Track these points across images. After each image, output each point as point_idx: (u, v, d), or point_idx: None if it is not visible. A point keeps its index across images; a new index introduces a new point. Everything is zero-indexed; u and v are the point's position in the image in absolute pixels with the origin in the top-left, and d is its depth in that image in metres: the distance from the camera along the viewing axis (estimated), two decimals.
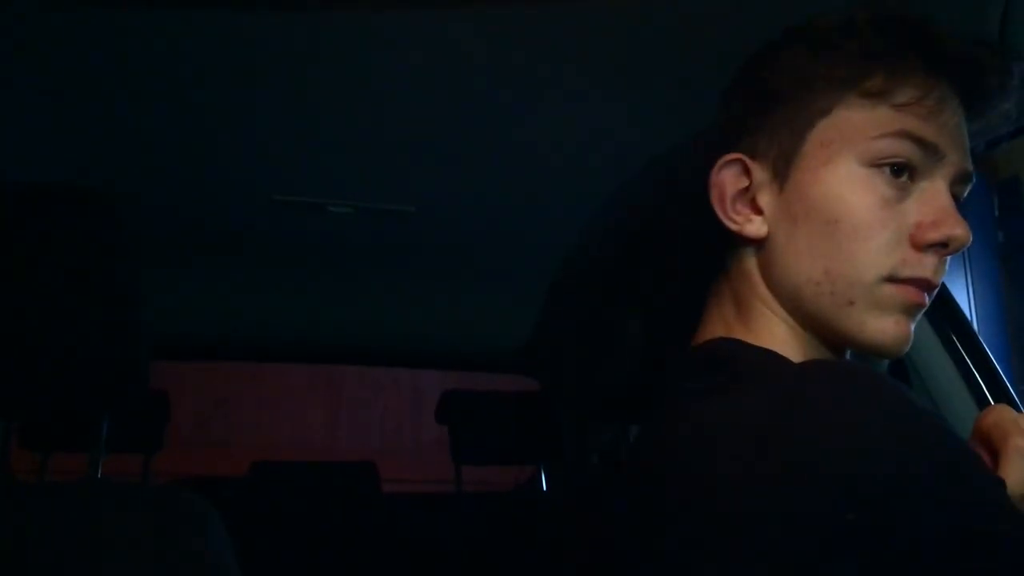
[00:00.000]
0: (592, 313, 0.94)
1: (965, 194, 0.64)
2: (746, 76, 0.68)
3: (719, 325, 0.67)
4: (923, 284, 0.60)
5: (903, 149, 0.60)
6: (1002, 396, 1.20)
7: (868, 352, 0.63)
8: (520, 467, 2.67)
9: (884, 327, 0.60)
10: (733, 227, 0.65)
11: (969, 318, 1.89)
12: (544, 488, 2.20)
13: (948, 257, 0.62)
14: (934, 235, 0.59)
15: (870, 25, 0.62)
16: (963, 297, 2.72)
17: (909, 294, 0.60)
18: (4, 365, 0.74)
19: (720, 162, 0.65)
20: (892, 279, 0.60)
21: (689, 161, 0.70)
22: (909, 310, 0.61)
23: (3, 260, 0.75)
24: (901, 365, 1.24)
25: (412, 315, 1.95)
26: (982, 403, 1.20)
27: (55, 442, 2.10)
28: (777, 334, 0.64)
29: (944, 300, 1.23)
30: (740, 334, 0.65)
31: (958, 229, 0.59)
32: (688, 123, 1.15)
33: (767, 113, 0.64)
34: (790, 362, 0.59)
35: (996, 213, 2.90)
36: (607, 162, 1.29)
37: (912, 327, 0.61)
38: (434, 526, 1.88)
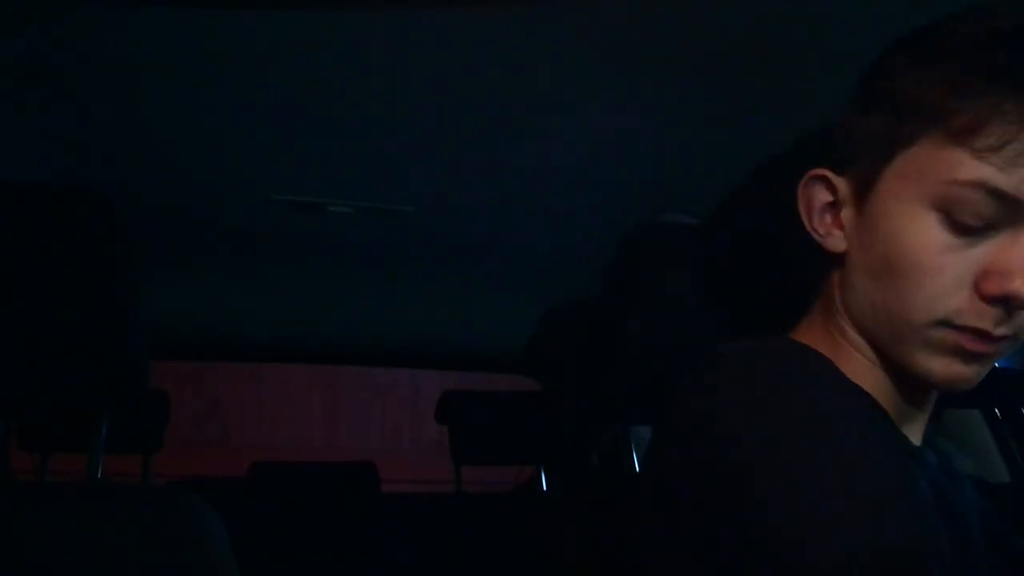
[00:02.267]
0: (593, 314, 0.94)
1: None
2: (861, 85, 0.66)
3: (802, 333, 0.68)
4: (982, 335, 0.56)
5: (977, 200, 0.54)
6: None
7: (929, 386, 0.61)
8: (520, 467, 2.67)
9: (931, 367, 0.58)
10: (816, 237, 0.64)
11: None
12: (544, 488, 2.20)
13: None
14: (994, 288, 0.54)
15: (975, 44, 0.56)
16: None
17: (962, 340, 0.56)
18: (4, 365, 0.74)
19: (807, 176, 0.65)
20: (946, 324, 0.56)
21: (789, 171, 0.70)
22: (961, 354, 0.57)
23: (3, 260, 0.75)
24: None
25: (412, 315, 1.95)
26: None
27: (54, 442, 2.10)
28: (854, 353, 0.64)
29: None
30: (815, 342, 0.64)
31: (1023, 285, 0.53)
32: (689, 123, 1.16)
33: (857, 130, 0.63)
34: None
35: None
36: (607, 162, 1.29)
37: (970, 369, 0.58)
38: (434, 526, 1.88)
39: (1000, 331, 0.56)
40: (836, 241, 0.63)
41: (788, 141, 0.76)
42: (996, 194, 0.54)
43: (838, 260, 0.64)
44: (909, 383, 0.62)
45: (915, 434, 0.65)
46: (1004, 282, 0.54)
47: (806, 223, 0.65)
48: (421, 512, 2.02)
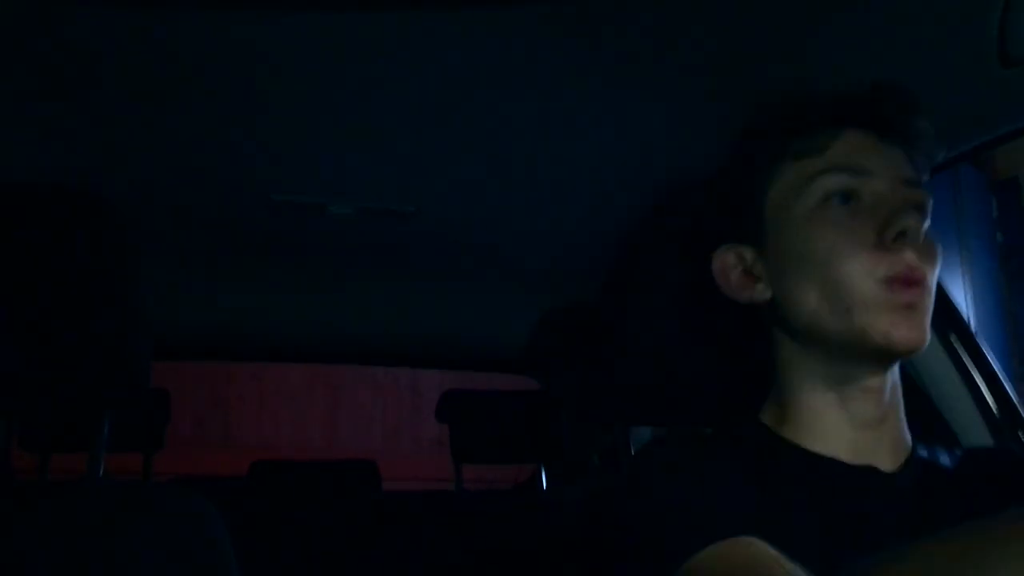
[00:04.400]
0: (592, 314, 0.94)
1: (923, 199, 0.71)
2: (712, 183, 0.82)
3: (765, 413, 0.77)
4: (905, 277, 0.66)
5: (834, 181, 0.70)
6: (1001, 396, 1.20)
7: (887, 354, 0.69)
8: (520, 467, 2.67)
9: (887, 329, 0.66)
10: (746, 300, 0.76)
11: (968, 318, 1.89)
12: (544, 488, 2.20)
13: (930, 246, 0.69)
14: (891, 231, 0.67)
15: (781, 113, 0.76)
16: (962, 297, 2.72)
17: (896, 291, 0.66)
18: (6, 364, 0.75)
19: (715, 257, 0.77)
20: (880, 279, 0.67)
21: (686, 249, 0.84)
22: (900, 309, 0.66)
23: (4, 260, 0.75)
24: (902, 367, 1.23)
25: (412, 315, 1.95)
26: (981, 404, 1.20)
27: (55, 443, 2.10)
28: (804, 403, 0.73)
29: (943, 301, 1.23)
30: (776, 417, 0.75)
31: (908, 220, 0.67)
32: (690, 124, 1.16)
33: (730, 202, 0.78)
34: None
35: (995, 214, 2.90)
36: (607, 163, 1.29)
37: (916, 324, 0.67)
38: (434, 525, 1.88)
39: (919, 269, 0.67)
40: (760, 291, 0.75)
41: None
42: (847, 169, 0.70)
43: (771, 310, 0.75)
44: (859, 392, 0.70)
45: (881, 448, 0.71)
46: (893, 222, 0.67)
47: (732, 295, 0.76)
48: (421, 511, 2.02)
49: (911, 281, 0.66)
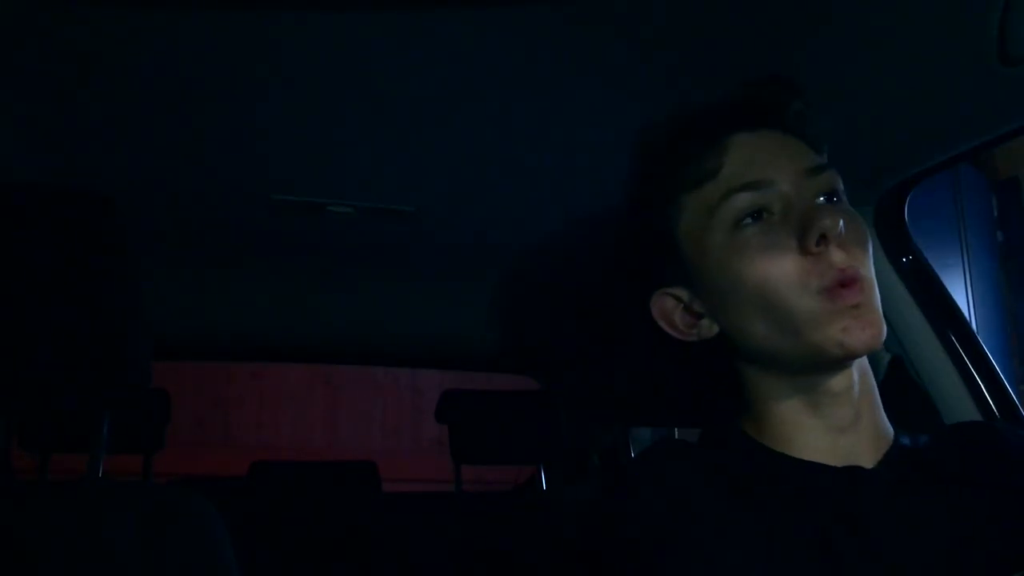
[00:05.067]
0: (594, 315, 0.94)
1: (833, 183, 0.70)
2: (619, 236, 0.82)
3: (746, 421, 0.76)
4: (840, 280, 0.65)
5: (740, 200, 0.68)
6: (1001, 396, 1.20)
7: (846, 359, 0.68)
8: (520, 467, 2.67)
9: (840, 338, 0.65)
10: (695, 339, 0.74)
11: (968, 318, 1.89)
12: (544, 488, 2.20)
13: (854, 231, 0.66)
14: (811, 238, 0.65)
15: (661, 139, 0.75)
16: (962, 297, 2.72)
17: (836, 297, 0.65)
18: (6, 364, 0.75)
19: (651, 304, 0.75)
20: (817, 291, 0.65)
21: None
22: (847, 313, 0.65)
23: (4, 260, 0.75)
24: (902, 367, 1.24)
25: (412, 315, 1.94)
26: (981, 403, 1.20)
27: (55, 442, 2.10)
28: (776, 413, 0.72)
29: (943, 300, 1.23)
30: (754, 428, 0.74)
31: (824, 219, 0.64)
32: None
33: (643, 246, 0.76)
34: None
35: (995, 213, 2.90)
36: (607, 163, 1.29)
37: (868, 321, 0.65)
38: (434, 526, 1.88)
39: (849, 267, 0.65)
40: (707, 327, 0.73)
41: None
42: (747, 187, 0.68)
43: (723, 342, 0.73)
44: (829, 398, 0.70)
45: (860, 445, 0.71)
46: (812, 229, 0.65)
47: (678, 336, 0.75)
48: (421, 511, 2.02)
49: (846, 282, 0.65)
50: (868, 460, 0.70)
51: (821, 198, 0.69)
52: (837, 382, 0.69)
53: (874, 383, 0.73)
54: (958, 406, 1.21)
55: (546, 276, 1.79)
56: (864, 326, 0.65)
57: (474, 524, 1.85)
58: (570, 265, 1.73)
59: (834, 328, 0.65)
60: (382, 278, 1.83)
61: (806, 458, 0.69)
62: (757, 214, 0.68)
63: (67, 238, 0.77)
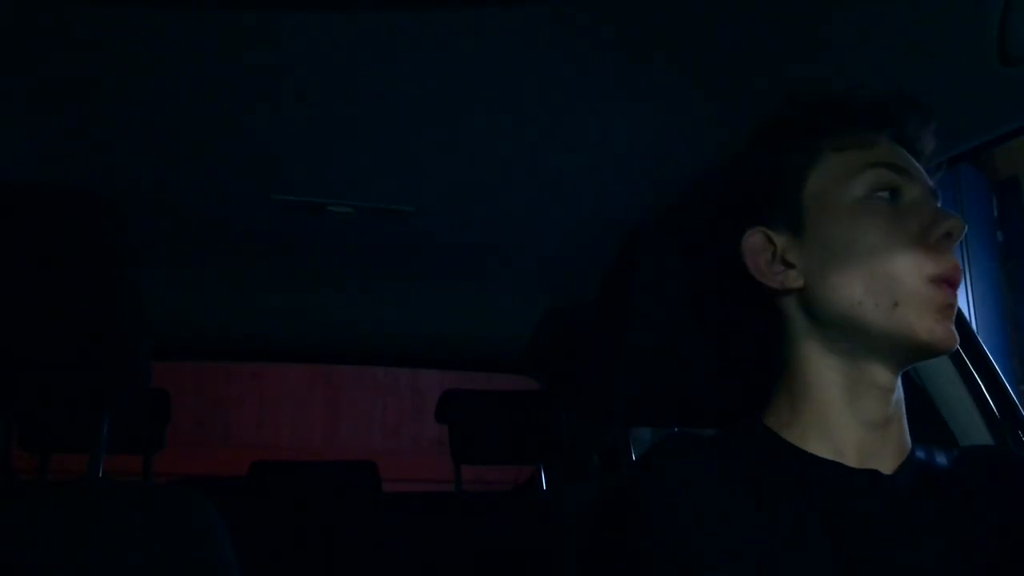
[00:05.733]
0: (593, 314, 0.94)
1: (938, 205, 0.74)
2: (736, 165, 0.81)
3: (769, 415, 0.76)
4: (951, 276, 0.68)
5: (883, 175, 0.71)
6: (1001, 396, 1.20)
7: (923, 352, 0.69)
8: (520, 467, 2.67)
9: (930, 326, 0.67)
10: (776, 285, 0.74)
11: (968, 318, 1.89)
12: (544, 488, 2.20)
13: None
14: (938, 230, 0.68)
15: (821, 104, 0.76)
16: (962, 297, 2.72)
17: (942, 289, 0.67)
18: (7, 363, 0.75)
19: (744, 239, 0.75)
20: (928, 278, 0.67)
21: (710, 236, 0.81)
22: (944, 309, 0.67)
23: (4, 260, 0.75)
24: None
25: (412, 315, 1.95)
26: (981, 404, 1.20)
27: (55, 442, 2.10)
28: (814, 404, 0.72)
29: None
30: (780, 419, 0.74)
31: (953, 220, 0.68)
32: (691, 125, 1.16)
33: (760, 184, 0.76)
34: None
35: (995, 213, 2.90)
36: (607, 162, 1.29)
37: (952, 325, 0.68)
38: (434, 526, 1.88)
39: (958, 264, 0.68)
40: (794, 278, 0.73)
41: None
42: (892, 167, 0.71)
43: (799, 298, 0.73)
44: (872, 391, 0.71)
45: (884, 450, 0.71)
46: (941, 223, 0.68)
47: (761, 279, 0.74)
48: (421, 511, 2.02)
49: (954, 282, 0.68)
50: (887, 466, 0.70)
51: None
52: (886, 378, 0.70)
53: (903, 399, 0.73)
54: (958, 407, 1.21)
55: (546, 276, 1.79)
56: (949, 328, 0.68)
57: (474, 524, 1.85)
58: (570, 265, 1.73)
59: (929, 316, 0.67)
60: (382, 278, 1.83)
61: (828, 456, 0.70)
62: (893, 193, 0.71)
63: (67, 238, 0.77)
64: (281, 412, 4.51)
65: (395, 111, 1.13)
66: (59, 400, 0.82)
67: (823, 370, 0.72)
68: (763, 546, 0.63)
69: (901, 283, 0.67)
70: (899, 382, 0.72)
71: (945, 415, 1.21)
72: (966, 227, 0.68)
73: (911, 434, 0.74)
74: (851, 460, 0.69)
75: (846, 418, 0.71)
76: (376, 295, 1.89)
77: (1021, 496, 0.71)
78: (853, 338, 0.70)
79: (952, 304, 0.68)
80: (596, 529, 0.72)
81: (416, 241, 1.61)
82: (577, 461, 2.23)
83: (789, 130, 0.77)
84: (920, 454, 0.73)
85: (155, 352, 0.85)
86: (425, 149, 1.24)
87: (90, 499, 0.78)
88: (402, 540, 1.86)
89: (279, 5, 0.91)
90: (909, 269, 0.67)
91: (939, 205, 0.73)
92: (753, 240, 0.75)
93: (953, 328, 0.68)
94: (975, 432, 1.20)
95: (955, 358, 1.22)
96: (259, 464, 2.22)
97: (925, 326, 0.66)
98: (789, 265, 0.73)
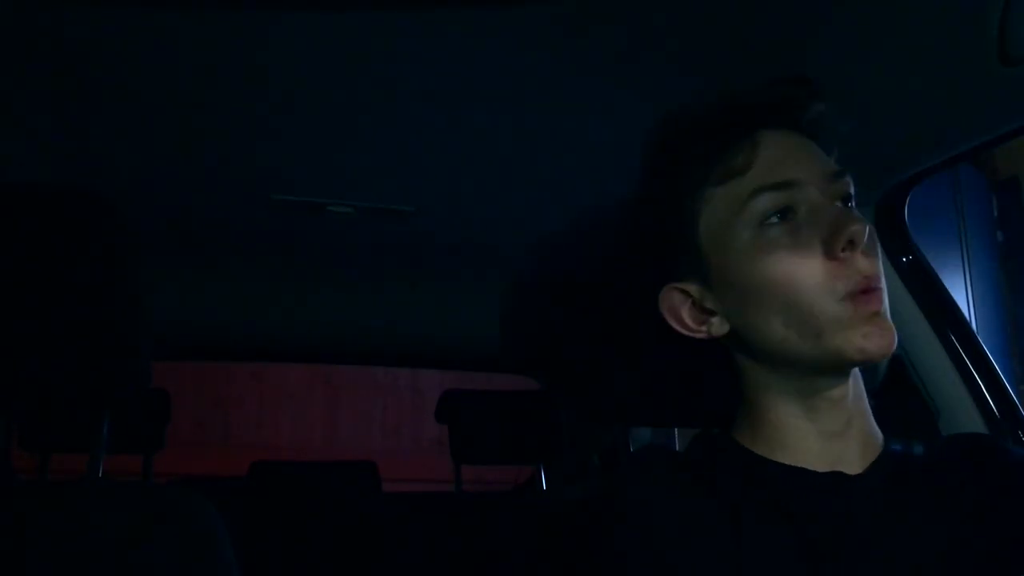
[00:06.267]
0: (594, 314, 0.94)
1: (849, 188, 0.70)
2: (631, 223, 0.79)
3: (735, 431, 0.76)
4: (864, 287, 0.65)
5: (767, 200, 0.68)
6: (1001, 397, 1.20)
7: (863, 364, 0.68)
8: (520, 467, 2.67)
9: (859, 343, 0.65)
10: (703, 336, 0.73)
11: (969, 318, 1.89)
12: (544, 488, 2.20)
13: (870, 237, 0.66)
14: (839, 243, 0.65)
15: (685, 133, 0.73)
16: (962, 297, 2.72)
17: (859, 303, 0.65)
18: (7, 363, 0.75)
19: (660, 300, 0.74)
20: (842, 296, 0.65)
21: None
22: (868, 320, 0.65)
23: (4, 260, 0.75)
24: (901, 367, 1.24)
25: (412, 315, 1.94)
26: (981, 404, 1.20)
27: (55, 442, 2.10)
28: (773, 416, 0.72)
29: (943, 300, 1.23)
30: (747, 435, 0.74)
31: (853, 225, 0.65)
32: None
33: (658, 240, 0.75)
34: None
35: (995, 213, 2.90)
36: (607, 163, 1.29)
37: (886, 327, 0.66)
38: (434, 526, 1.88)
39: (872, 272, 0.66)
40: (718, 326, 0.72)
41: None
42: (775, 187, 0.67)
43: (733, 340, 0.73)
44: (826, 404, 0.70)
45: (848, 452, 0.71)
46: (840, 233, 0.65)
47: (687, 333, 0.74)
48: (421, 511, 2.02)
49: (869, 289, 0.65)
50: (854, 466, 0.70)
51: (838, 203, 0.70)
52: (837, 388, 0.70)
53: (864, 390, 0.73)
54: (958, 406, 1.21)
55: (546, 276, 1.79)
56: (882, 333, 0.65)
57: (474, 524, 1.85)
58: (570, 264, 1.72)
59: (856, 334, 0.65)
60: (382, 278, 1.83)
61: (794, 464, 0.70)
62: (783, 213, 0.68)
63: (67, 238, 0.77)
64: (281, 412, 4.51)
65: (395, 111, 1.13)
66: (59, 400, 0.82)
67: (776, 395, 0.72)
68: (733, 554, 0.63)
69: (818, 312, 0.65)
70: (852, 386, 0.71)
71: (944, 415, 1.21)
72: (868, 228, 0.65)
73: (907, 432, 0.74)
74: (818, 467, 0.70)
75: (805, 431, 0.71)
76: (376, 295, 1.89)
77: (1005, 484, 0.71)
78: (793, 365, 0.69)
79: (876, 310, 0.65)
80: (581, 538, 0.73)
81: (416, 241, 1.61)
82: (577, 461, 2.23)
83: (671, 176, 0.74)
84: (895, 448, 0.73)
85: (155, 352, 0.85)
86: (425, 149, 1.24)
87: (90, 499, 0.78)
88: (402, 540, 1.86)
89: (279, 5, 0.91)
90: (820, 295, 0.65)
91: (843, 181, 0.70)
92: (669, 298, 0.74)
93: (885, 330, 0.65)
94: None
95: (955, 358, 1.22)
96: (259, 464, 2.22)
97: (854, 347, 0.65)
98: (711, 312, 0.72)
